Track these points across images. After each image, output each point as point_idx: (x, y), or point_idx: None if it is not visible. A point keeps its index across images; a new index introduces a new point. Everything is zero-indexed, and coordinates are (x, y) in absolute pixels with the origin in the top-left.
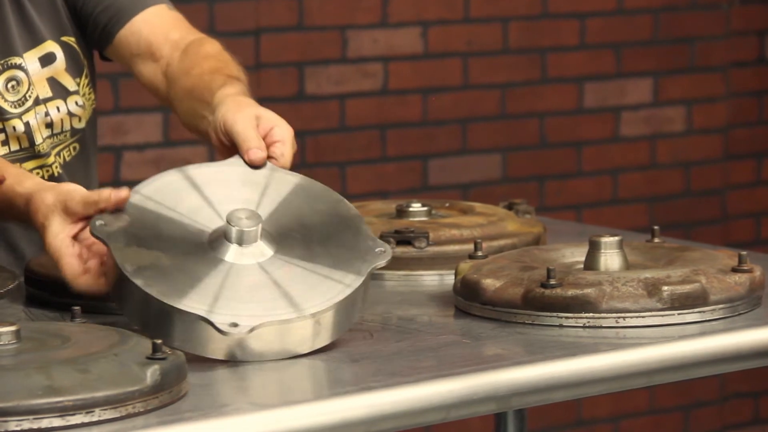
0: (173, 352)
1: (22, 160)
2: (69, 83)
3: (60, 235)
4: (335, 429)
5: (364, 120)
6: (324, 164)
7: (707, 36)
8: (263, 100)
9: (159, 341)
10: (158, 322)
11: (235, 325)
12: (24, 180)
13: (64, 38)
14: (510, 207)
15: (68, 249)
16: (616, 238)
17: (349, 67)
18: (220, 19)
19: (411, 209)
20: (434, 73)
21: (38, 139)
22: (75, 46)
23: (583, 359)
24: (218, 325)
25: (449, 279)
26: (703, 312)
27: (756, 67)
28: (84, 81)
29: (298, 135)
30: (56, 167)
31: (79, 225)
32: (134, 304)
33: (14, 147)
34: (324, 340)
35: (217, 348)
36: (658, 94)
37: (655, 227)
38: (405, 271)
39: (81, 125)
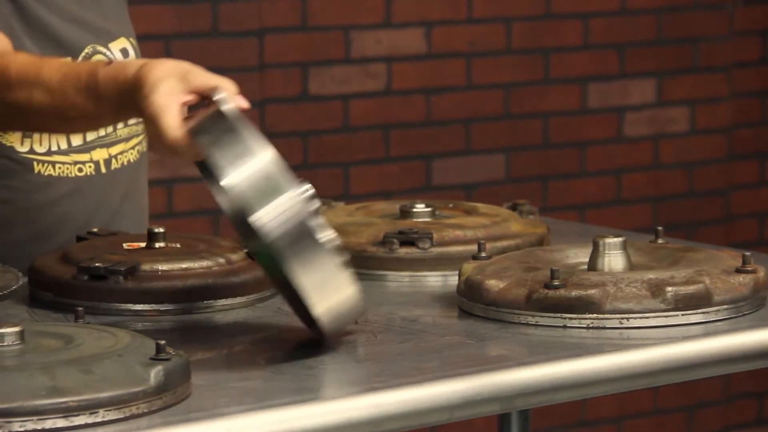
0: (177, 353)
1: (108, 145)
2: None
3: (172, 95)
4: (339, 429)
5: (367, 120)
6: (327, 164)
7: (710, 36)
8: (267, 101)
9: (163, 342)
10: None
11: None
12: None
13: (131, 39)
14: (513, 207)
15: (176, 108)
16: (620, 239)
17: (352, 68)
18: (224, 20)
19: (414, 210)
20: (437, 73)
21: (119, 124)
22: (138, 49)
23: (587, 360)
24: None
25: (453, 280)
26: (707, 313)
27: (759, 67)
28: None
29: (302, 135)
30: (134, 154)
31: (190, 97)
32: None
33: (102, 132)
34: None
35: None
36: (661, 95)
37: (659, 228)
38: (408, 272)
39: None
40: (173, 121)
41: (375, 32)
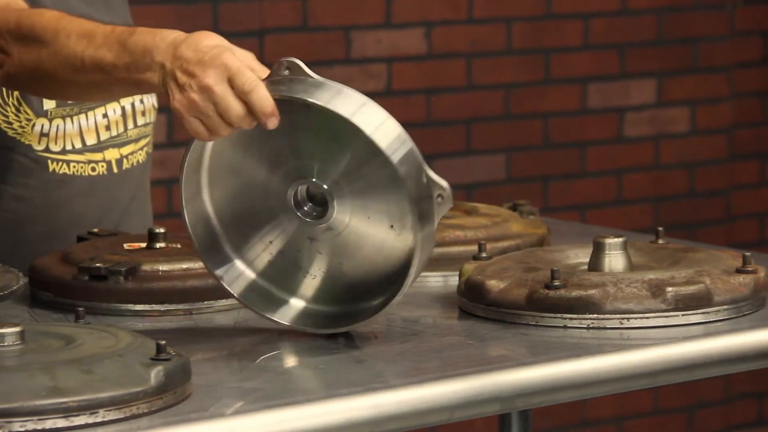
0: (177, 353)
1: (119, 146)
2: None
3: (240, 60)
4: (340, 430)
5: None
6: None
7: (711, 36)
8: None
9: (163, 342)
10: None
11: None
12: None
13: None
14: (514, 208)
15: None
16: (620, 239)
17: (353, 68)
18: (224, 20)
19: None
20: (438, 73)
21: (130, 125)
22: None
23: (588, 360)
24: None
25: (453, 280)
26: (708, 313)
27: (760, 67)
28: None
29: None
30: (142, 155)
31: None
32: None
33: (114, 132)
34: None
35: None
36: (662, 95)
37: (660, 228)
38: None
39: (154, 122)
40: (253, 74)
41: (375, 32)
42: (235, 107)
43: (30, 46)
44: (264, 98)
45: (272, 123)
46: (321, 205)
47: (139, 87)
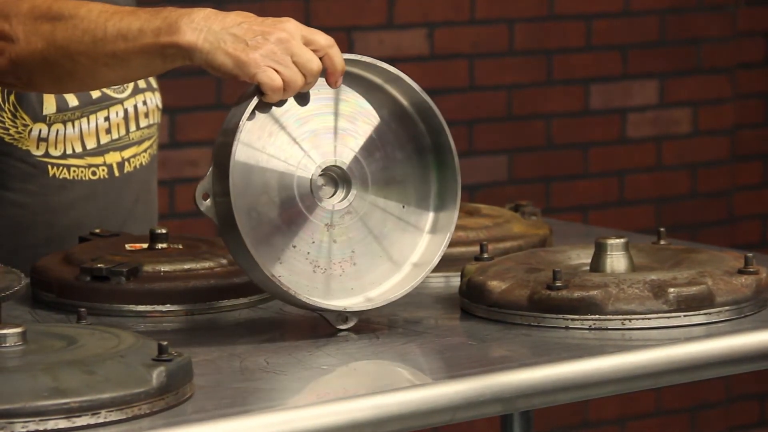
0: (179, 354)
1: (121, 149)
2: (152, 80)
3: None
4: (342, 430)
5: None
6: None
7: (713, 37)
8: None
9: (165, 342)
10: None
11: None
12: None
13: None
14: (516, 209)
15: None
16: (622, 240)
17: None
18: None
19: None
20: (440, 74)
21: (132, 127)
22: None
23: (589, 361)
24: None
25: (455, 281)
26: (710, 314)
27: (762, 68)
28: (156, 84)
29: None
30: (145, 157)
31: None
32: None
33: (115, 135)
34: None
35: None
36: (664, 96)
37: (662, 229)
38: None
39: (159, 123)
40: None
41: (378, 33)
42: (315, 59)
43: (43, 26)
44: (340, 54)
45: (340, 81)
46: (340, 186)
47: (163, 52)
